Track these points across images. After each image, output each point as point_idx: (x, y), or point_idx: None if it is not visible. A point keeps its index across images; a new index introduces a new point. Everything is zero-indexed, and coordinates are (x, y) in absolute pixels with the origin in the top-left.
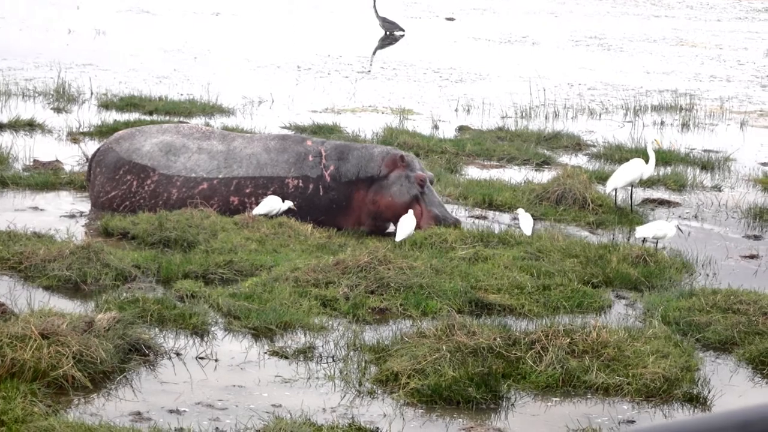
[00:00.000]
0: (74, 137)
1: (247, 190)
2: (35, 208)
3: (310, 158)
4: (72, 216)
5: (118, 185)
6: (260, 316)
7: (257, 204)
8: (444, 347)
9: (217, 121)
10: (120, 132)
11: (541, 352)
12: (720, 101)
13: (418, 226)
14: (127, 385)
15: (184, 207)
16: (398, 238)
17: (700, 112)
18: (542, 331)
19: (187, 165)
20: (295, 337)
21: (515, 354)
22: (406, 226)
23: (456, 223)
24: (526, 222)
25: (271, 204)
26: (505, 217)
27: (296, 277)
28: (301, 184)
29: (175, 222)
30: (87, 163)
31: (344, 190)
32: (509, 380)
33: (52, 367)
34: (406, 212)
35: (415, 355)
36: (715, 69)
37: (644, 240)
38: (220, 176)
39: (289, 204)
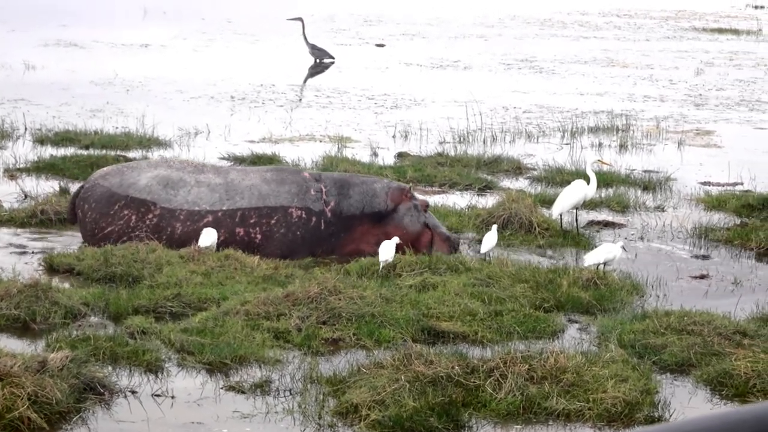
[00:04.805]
0: (11, 174)
1: (252, 221)
2: None
3: (312, 192)
4: (22, 253)
5: (114, 220)
6: (214, 351)
7: (262, 235)
8: (403, 377)
9: (155, 154)
10: (103, 169)
11: (500, 379)
12: (656, 121)
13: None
14: (83, 425)
15: (190, 240)
16: (382, 260)
17: (637, 133)
18: (500, 358)
19: (189, 198)
20: (250, 371)
21: (474, 382)
22: (386, 251)
23: (457, 242)
24: (488, 240)
25: (211, 235)
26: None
27: (247, 311)
28: (304, 215)
29: (120, 257)
30: (70, 202)
31: (345, 223)
32: (470, 409)
33: (7, 409)
34: (420, 239)
35: (374, 386)
36: (648, 89)
37: (598, 266)
38: (224, 208)
39: None
